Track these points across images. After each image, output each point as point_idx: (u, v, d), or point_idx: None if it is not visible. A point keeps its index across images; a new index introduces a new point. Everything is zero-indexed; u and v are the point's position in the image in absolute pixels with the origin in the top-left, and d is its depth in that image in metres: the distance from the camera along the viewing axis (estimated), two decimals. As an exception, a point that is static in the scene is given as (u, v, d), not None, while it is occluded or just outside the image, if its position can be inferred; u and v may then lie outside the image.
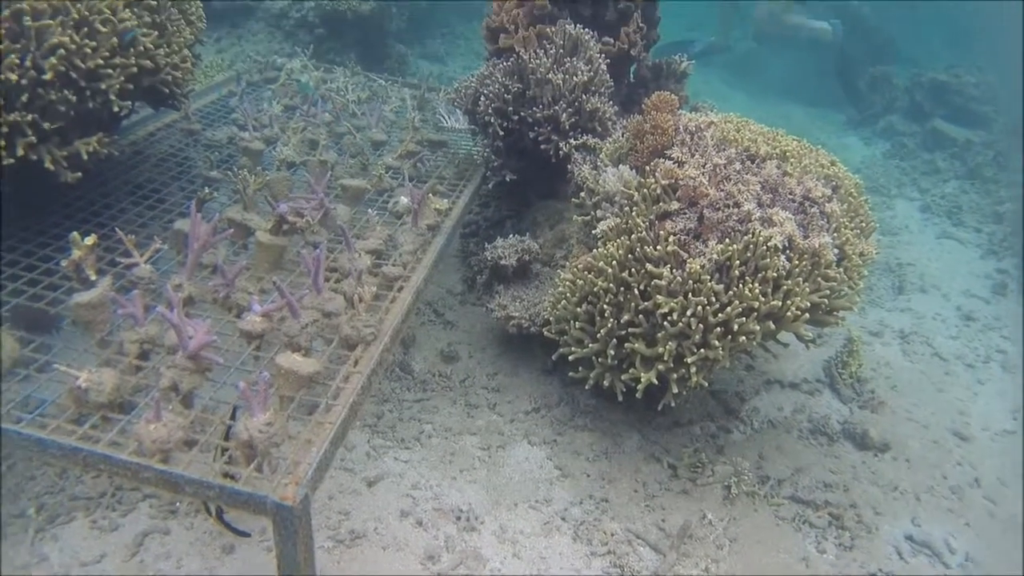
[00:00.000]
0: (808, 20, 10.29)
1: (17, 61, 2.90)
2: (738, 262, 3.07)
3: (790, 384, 4.39)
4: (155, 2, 3.64)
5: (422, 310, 4.54)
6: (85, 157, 3.26)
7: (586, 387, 3.40)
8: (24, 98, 2.97)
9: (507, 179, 4.43)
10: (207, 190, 3.80)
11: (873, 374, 4.65)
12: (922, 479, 3.90)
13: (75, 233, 2.81)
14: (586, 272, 3.39)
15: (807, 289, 3.13)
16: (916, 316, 5.59)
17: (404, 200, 3.86)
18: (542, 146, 4.19)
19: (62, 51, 3.02)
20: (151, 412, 2.31)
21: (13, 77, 2.87)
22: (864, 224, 3.62)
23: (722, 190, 3.30)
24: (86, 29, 3.15)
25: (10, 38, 2.91)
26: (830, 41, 10.44)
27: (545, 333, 3.63)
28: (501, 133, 4.29)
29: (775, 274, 3.08)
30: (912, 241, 6.96)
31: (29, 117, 2.99)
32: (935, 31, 14.02)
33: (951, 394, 4.66)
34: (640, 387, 3.15)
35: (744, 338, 3.03)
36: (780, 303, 3.05)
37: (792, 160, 3.59)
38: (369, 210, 3.92)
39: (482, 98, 4.31)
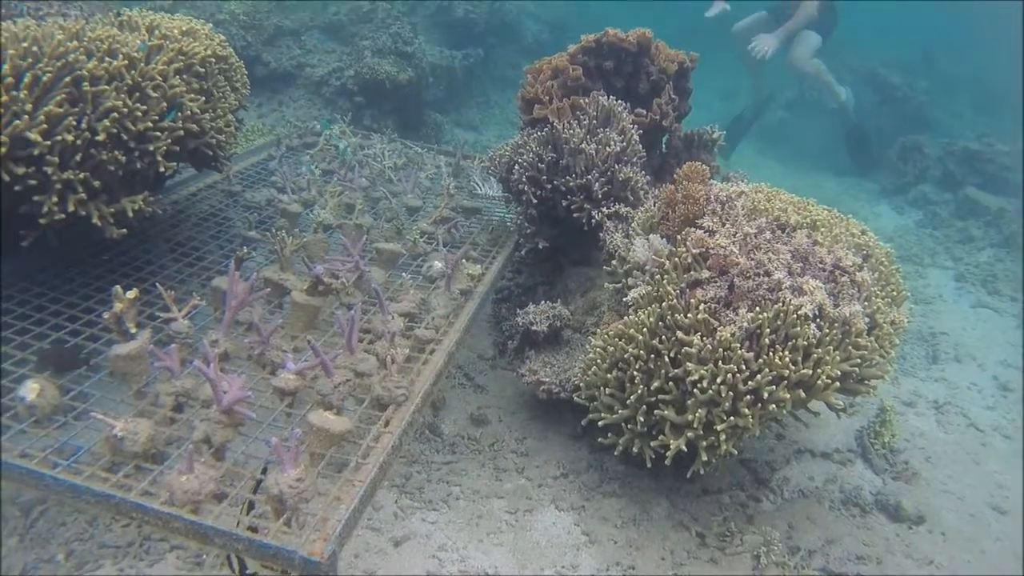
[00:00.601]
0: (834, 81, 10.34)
1: (74, 123, 3.04)
2: (768, 330, 3.08)
3: (821, 454, 4.35)
4: (203, 69, 3.79)
5: (453, 373, 4.58)
6: (131, 214, 3.40)
7: (615, 453, 3.40)
8: (78, 157, 3.10)
9: (540, 246, 4.49)
10: (245, 250, 3.91)
11: (907, 445, 4.59)
12: (959, 554, 3.82)
13: (118, 287, 2.90)
14: (617, 339, 3.42)
15: (838, 357, 3.14)
16: (951, 386, 5.52)
17: (438, 265, 3.93)
18: (575, 214, 4.26)
19: (115, 114, 3.18)
20: (184, 463, 2.36)
21: (70, 138, 3.02)
22: (895, 293, 3.63)
23: (752, 259, 3.33)
24: (138, 94, 3.31)
25: (69, 102, 3.06)
26: (843, 104, 10.49)
27: (575, 399, 3.65)
28: (535, 201, 4.36)
29: (805, 342, 3.09)
30: (946, 310, 6.90)
31: (81, 175, 3.13)
32: (965, 99, 14.07)
33: (988, 466, 4.57)
34: (669, 454, 3.15)
35: (774, 406, 3.03)
36: (810, 371, 3.05)
37: (822, 229, 3.62)
38: (403, 274, 4.00)
39: (516, 166, 4.40)
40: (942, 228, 8.95)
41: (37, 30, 3.14)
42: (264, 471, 2.56)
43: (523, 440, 4.10)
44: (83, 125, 3.10)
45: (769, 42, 9.19)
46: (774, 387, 3.02)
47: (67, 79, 3.07)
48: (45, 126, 2.95)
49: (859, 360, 3.22)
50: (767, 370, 3.02)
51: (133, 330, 2.91)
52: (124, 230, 3.38)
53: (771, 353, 3.06)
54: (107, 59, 3.21)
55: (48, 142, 2.96)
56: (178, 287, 3.73)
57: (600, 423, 3.40)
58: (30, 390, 2.66)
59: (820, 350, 3.10)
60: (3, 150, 2.86)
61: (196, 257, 4.08)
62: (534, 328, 4.04)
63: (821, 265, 3.39)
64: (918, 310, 6.71)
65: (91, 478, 2.39)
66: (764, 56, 9.05)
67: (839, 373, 3.11)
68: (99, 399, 2.90)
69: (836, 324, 3.18)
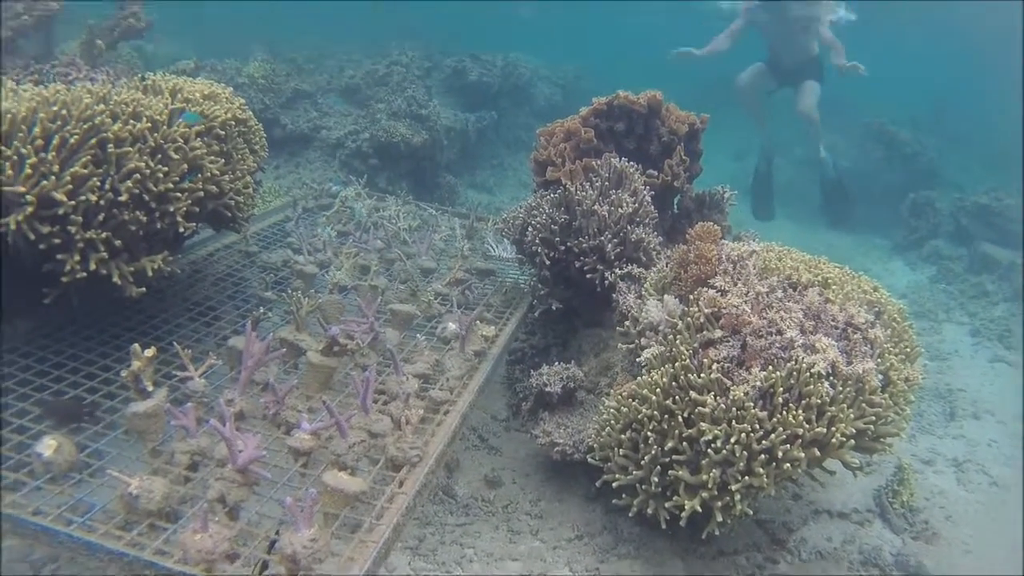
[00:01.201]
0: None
1: (98, 183, 3.12)
2: (782, 389, 3.08)
3: (839, 514, 4.29)
4: (223, 132, 3.88)
5: (467, 435, 4.57)
6: (150, 274, 3.45)
7: (630, 514, 3.38)
8: (100, 217, 3.17)
9: (553, 307, 4.52)
10: (262, 310, 3.96)
11: (926, 504, 4.53)
12: (982, 616, 3.76)
13: (136, 345, 2.94)
14: (630, 399, 3.42)
15: (852, 415, 3.13)
16: (970, 443, 5.46)
17: (452, 326, 3.96)
18: (588, 275, 4.29)
19: (138, 175, 3.24)
20: (198, 522, 2.37)
21: (93, 198, 3.08)
22: (909, 349, 3.62)
23: (765, 318, 3.35)
24: (160, 156, 3.39)
25: (94, 163, 3.13)
26: (825, 156, 10.70)
27: (589, 460, 3.63)
28: (548, 262, 4.40)
29: (819, 400, 3.08)
30: (963, 366, 6.86)
31: (103, 235, 3.19)
32: (974, 155, 14.17)
33: (1011, 525, 4.50)
34: (684, 515, 3.13)
35: (789, 465, 3.02)
36: (825, 430, 3.04)
37: (834, 287, 3.63)
38: (418, 335, 4.03)
39: (530, 228, 4.45)
40: (956, 283, 8.94)
41: (67, 94, 3.24)
42: (278, 532, 2.56)
43: (537, 502, 4.08)
44: (107, 186, 3.17)
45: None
46: (788, 446, 3.01)
47: (93, 141, 3.15)
48: (71, 186, 3.02)
49: (873, 417, 3.21)
50: (781, 429, 3.01)
51: (150, 388, 2.94)
52: (143, 289, 3.44)
53: (785, 412, 3.05)
54: (131, 121, 3.30)
55: (73, 202, 3.04)
56: (195, 346, 3.76)
57: (614, 484, 3.38)
58: (47, 446, 2.69)
59: (834, 408, 3.09)
60: (31, 209, 2.93)
61: (213, 317, 4.12)
62: (548, 389, 4.05)
63: (833, 323, 3.40)
64: (934, 366, 6.68)
65: (105, 536, 2.41)
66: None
67: (854, 431, 3.10)
68: (115, 456, 2.93)
69: (849, 382, 3.18)
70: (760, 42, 10.17)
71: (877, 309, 3.66)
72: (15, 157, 2.95)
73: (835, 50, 9.20)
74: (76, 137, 3.10)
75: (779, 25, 9.75)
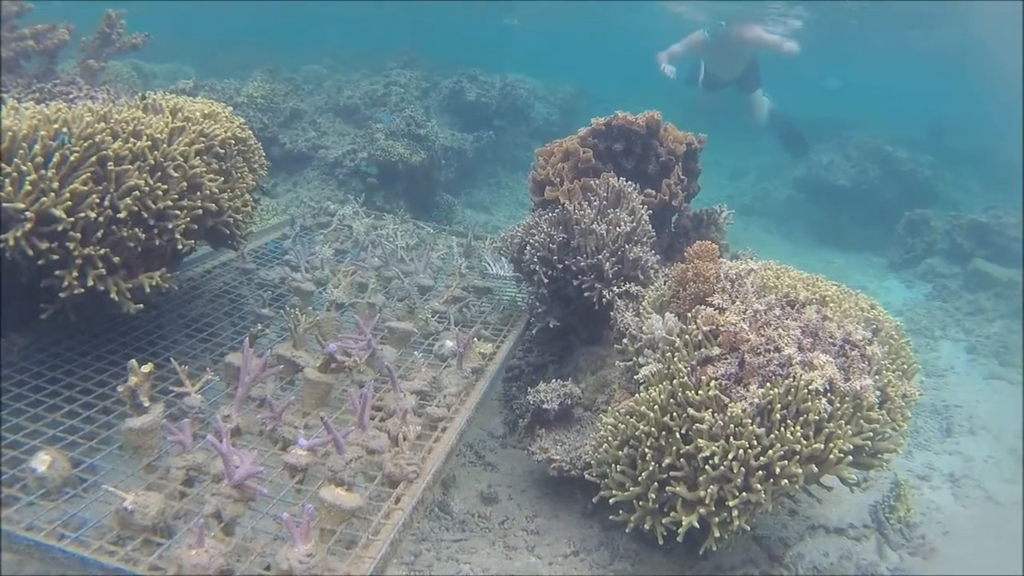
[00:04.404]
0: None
1: (97, 200, 3.13)
2: (779, 405, 3.09)
3: (836, 529, 4.28)
4: (223, 150, 3.90)
5: (464, 451, 4.57)
6: (147, 290, 3.46)
7: (626, 531, 3.37)
8: (99, 233, 3.18)
9: (551, 325, 4.52)
10: (259, 326, 3.96)
11: (923, 519, 4.52)
12: (981, 632, 3.74)
13: (133, 361, 2.94)
14: (628, 416, 3.42)
15: (849, 431, 3.13)
16: (966, 459, 5.47)
17: (449, 344, 3.97)
18: (585, 293, 4.30)
19: (137, 192, 3.26)
20: (193, 538, 2.36)
21: (92, 215, 3.10)
22: (906, 366, 3.63)
23: (763, 335, 3.35)
24: (159, 173, 3.40)
25: (94, 180, 3.15)
26: (769, 113, 11.20)
27: (586, 476, 3.63)
28: (546, 280, 4.41)
29: (817, 417, 3.09)
30: (959, 382, 6.87)
31: (101, 251, 3.20)
32: (972, 173, 14.25)
33: (1009, 541, 4.49)
34: (681, 531, 3.12)
35: (786, 481, 3.01)
36: (822, 446, 3.04)
37: (832, 304, 3.65)
38: (415, 352, 4.04)
39: (528, 247, 4.47)
40: (952, 301, 8.98)
41: (68, 112, 3.26)
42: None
43: (534, 518, 4.07)
44: (106, 203, 3.19)
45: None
46: (786, 462, 3.01)
47: (93, 158, 3.17)
48: (70, 203, 3.04)
49: (871, 434, 3.21)
50: (779, 445, 3.02)
51: (146, 404, 2.94)
52: (141, 305, 3.44)
53: (782, 428, 3.06)
54: (132, 140, 3.32)
55: (72, 218, 3.05)
56: (191, 362, 3.77)
57: (611, 500, 3.38)
58: (41, 461, 2.69)
59: (831, 424, 3.10)
60: (30, 225, 2.94)
61: (210, 333, 4.13)
62: (545, 406, 4.05)
63: (831, 340, 3.41)
64: (930, 383, 6.69)
65: (99, 551, 2.40)
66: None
67: (851, 447, 3.10)
68: (110, 472, 2.93)
69: (847, 398, 3.18)
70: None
71: (874, 326, 3.67)
72: (15, 174, 2.96)
73: (780, 48, 9.75)
74: (76, 154, 3.12)
75: (720, 52, 10.46)
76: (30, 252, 2.99)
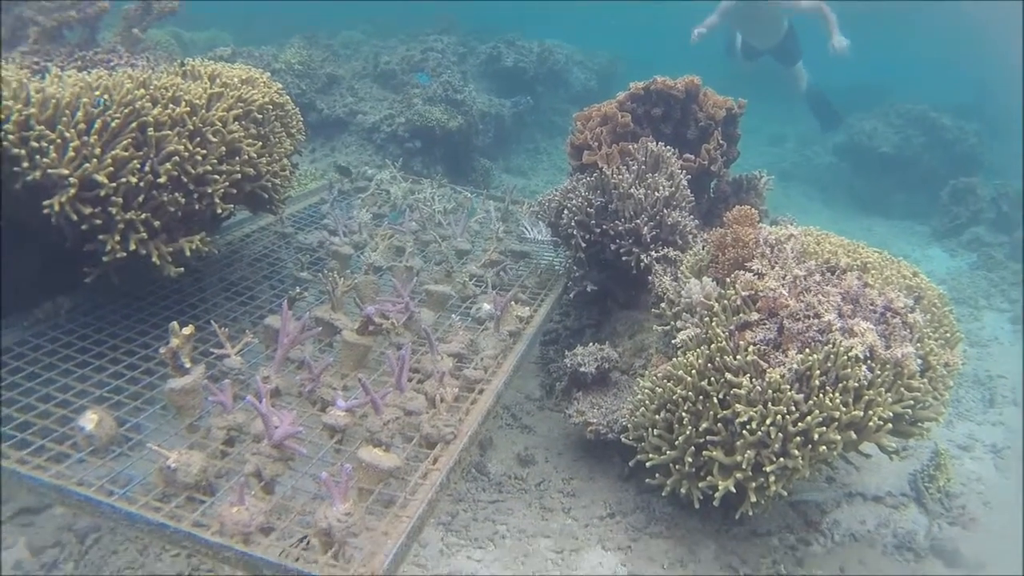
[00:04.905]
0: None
1: (138, 166, 3.17)
2: (818, 372, 3.06)
3: (874, 497, 4.26)
4: (261, 116, 3.92)
5: (500, 414, 4.60)
6: (188, 254, 3.51)
7: (663, 494, 3.39)
8: (140, 198, 3.22)
9: (588, 289, 4.52)
10: (298, 290, 3.99)
11: (963, 489, 4.47)
12: (1021, 602, 3.71)
13: (175, 323, 2.99)
14: (665, 380, 3.42)
15: (889, 399, 3.10)
16: (1009, 430, 5.38)
17: (486, 307, 3.98)
18: (623, 258, 4.28)
19: (177, 158, 3.29)
20: (235, 496, 2.41)
21: (133, 180, 3.14)
22: (949, 334, 3.58)
23: (802, 301, 3.32)
24: (199, 139, 3.43)
25: (135, 146, 3.18)
26: (807, 83, 11.09)
27: (623, 439, 3.64)
28: (583, 245, 4.39)
29: (856, 384, 3.06)
30: (1003, 353, 6.76)
31: (143, 216, 3.24)
32: (1019, 141, 13.91)
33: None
34: (718, 495, 3.12)
35: (824, 448, 3.00)
36: (861, 413, 3.02)
37: (873, 271, 3.60)
38: (452, 315, 4.05)
39: (565, 211, 4.45)
40: (997, 270, 8.79)
41: (109, 79, 3.29)
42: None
43: (570, 480, 4.09)
44: (146, 168, 3.23)
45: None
46: (824, 428, 2.99)
47: (133, 124, 3.20)
48: (112, 169, 3.08)
49: (912, 402, 3.18)
50: (817, 411, 3.00)
51: (188, 365, 2.99)
52: (181, 269, 3.49)
53: (821, 395, 3.03)
54: (171, 106, 3.35)
55: (114, 184, 3.09)
56: (231, 325, 3.82)
57: (648, 464, 3.39)
58: (89, 420, 2.75)
59: (871, 392, 3.07)
60: (73, 191, 2.98)
61: (249, 296, 4.18)
62: (582, 370, 4.05)
63: (872, 307, 3.37)
64: (973, 353, 6.59)
65: (145, 507, 2.46)
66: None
67: (891, 415, 3.07)
68: (153, 431, 3.00)
69: (888, 366, 3.15)
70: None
71: (916, 294, 3.62)
72: (59, 140, 3.00)
73: (826, 22, 9.40)
74: (118, 121, 3.15)
75: (751, 21, 10.21)
76: (74, 217, 3.04)
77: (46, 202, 3.00)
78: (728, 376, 3.16)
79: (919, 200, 11.18)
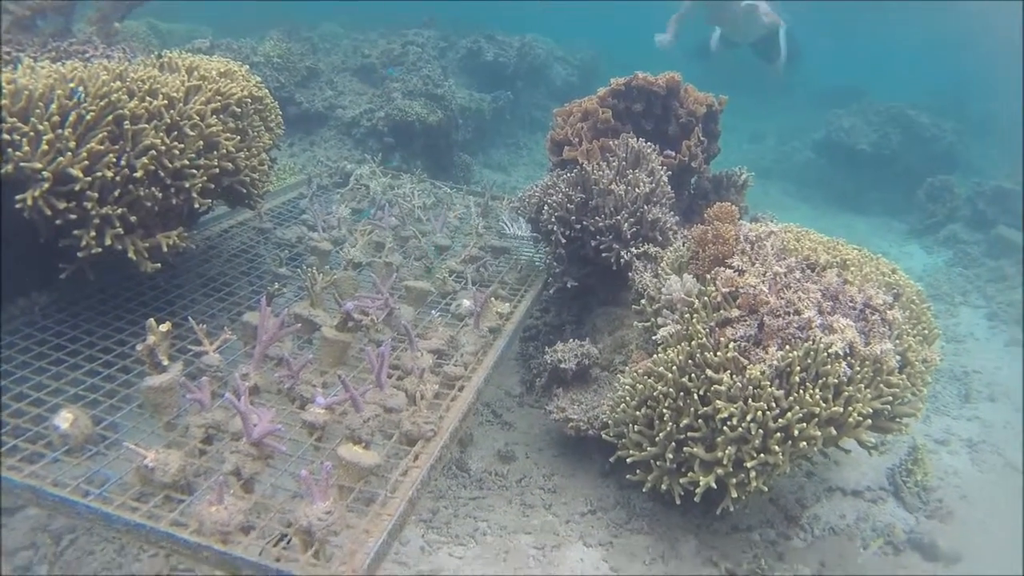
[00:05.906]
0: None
1: (114, 160, 3.12)
2: (798, 368, 3.07)
3: (853, 491, 4.29)
4: (239, 109, 3.87)
5: (481, 410, 4.58)
6: (165, 249, 3.47)
7: (643, 490, 3.39)
8: (116, 193, 3.18)
9: (568, 285, 4.51)
10: (276, 286, 3.96)
11: (940, 483, 4.51)
12: (997, 594, 3.75)
13: (151, 320, 2.95)
14: (646, 376, 3.42)
15: (869, 395, 3.12)
16: (985, 425, 5.44)
17: (467, 303, 3.96)
18: (603, 254, 4.28)
19: (153, 152, 3.25)
20: (214, 495, 2.38)
21: (109, 174, 3.09)
22: (927, 331, 3.61)
23: (782, 298, 3.33)
24: (176, 133, 3.39)
25: (110, 139, 3.14)
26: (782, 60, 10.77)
27: (603, 436, 3.64)
28: (563, 241, 4.39)
29: (836, 380, 3.08)
30: (978, 349, 6.82)
31: (119, 210, 3.20)
32: (995, 139, 14.03)
33: (1026, 506, 4.49)
34: (699, 491, 3.13)
35: (804, 443, 3.01)
36: (841, 409, 3.03)
37: (852, 268, 3.62)
38: (432, 311, 4.03)
39: (546, 207, 4.44)
40: (973, 267, 8.88)
41: (84, 71, 3.24)
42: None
43: (551, 477, 4.09)
44: (122, 162, 3.18)
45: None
46: (804, 424, 3.01)
47: (109, 117, 3.16)
48: (87, 162, 3.03)
49: (890, 398, 3.20)
50: (797, 407, 3.01)
51: (165, 362, 2.96)
52: (158, 264, 3.45)
53: (801, 391, 3.04)
54: (148, 98, 3.30)
55: (89, 178, 3.04)
56: (209, 321, 3.78)
57: (628, 460, 3.39)
58: (64, 419, 2.70)
59: (851, 388, 3.08)
60: (47, 185, 2.94)
61: (227, 292, 4.14)
62: (562, 366, 4.05)
63: (851, 304, 3.38)
64: (950, 348, 6.65)
65: (122, 507, 2.42)
66: None
67: (870, 411, 3.09)
68: (130, 430, 2.96)
69: (867, 362, 3.17)
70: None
71: (895, 291, 3.64)
72: (32, 133, 2.96)
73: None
74: (92, 114, 3.11)
75: (719, 14, 9.95)
76: (48, 212, 2.99)
77: (19, 196, 2.95)
78: (708, 372, 3.16)
79: (897, 197, 11.25)
